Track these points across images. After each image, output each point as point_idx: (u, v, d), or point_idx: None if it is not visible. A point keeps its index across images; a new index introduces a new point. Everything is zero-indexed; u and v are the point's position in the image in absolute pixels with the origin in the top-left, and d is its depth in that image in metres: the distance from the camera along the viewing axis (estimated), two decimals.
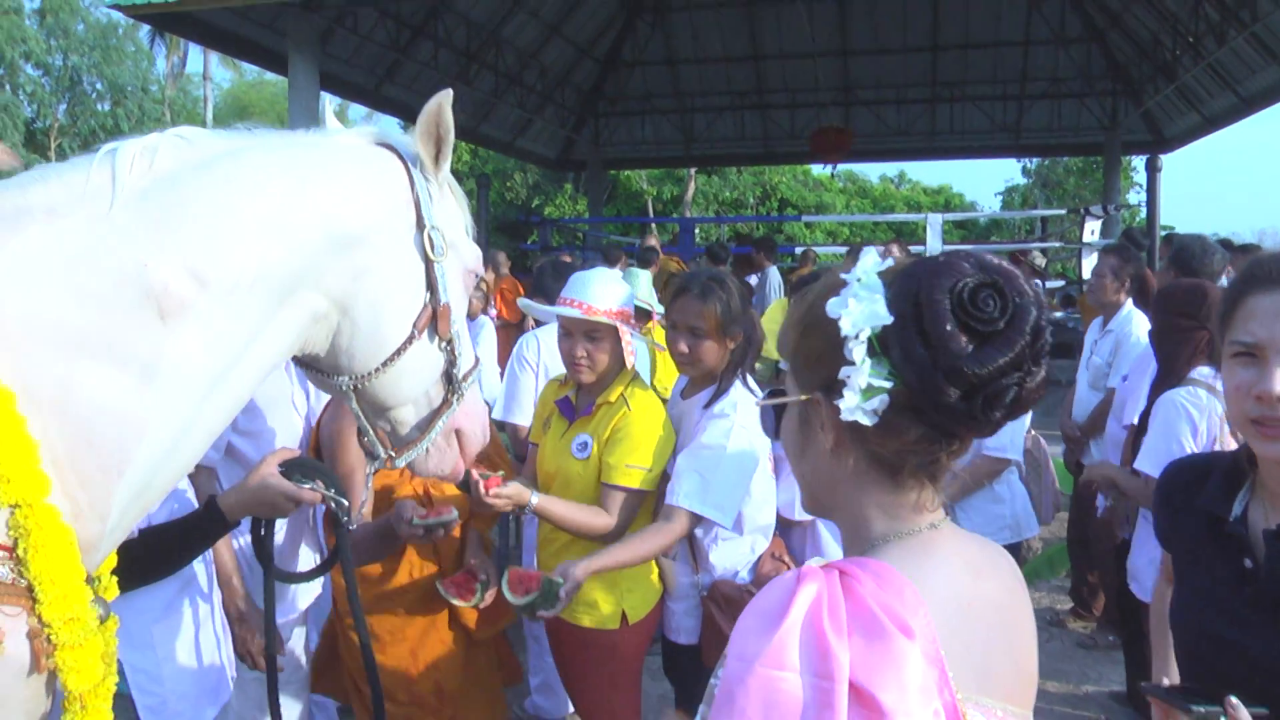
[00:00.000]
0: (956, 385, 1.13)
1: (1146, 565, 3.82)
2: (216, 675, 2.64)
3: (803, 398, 1.29)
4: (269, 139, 1.78)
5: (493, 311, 10.59)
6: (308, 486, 2.29)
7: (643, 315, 5.14)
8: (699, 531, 3.22)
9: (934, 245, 14.38)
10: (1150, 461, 3.60)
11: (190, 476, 2.71)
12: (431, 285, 1.86)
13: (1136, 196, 30.34)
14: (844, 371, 1.19)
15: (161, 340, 1.52)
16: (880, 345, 1.17)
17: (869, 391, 1.17)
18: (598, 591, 3.13)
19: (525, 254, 18.46)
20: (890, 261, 1.25)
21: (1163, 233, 11.08)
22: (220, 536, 2.42)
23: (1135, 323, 5.22)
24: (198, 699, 2.51)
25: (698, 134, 22.79)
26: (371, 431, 1.98)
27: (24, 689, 1.42)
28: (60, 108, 40.53)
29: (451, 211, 1.95)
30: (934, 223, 15.20)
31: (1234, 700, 1.58)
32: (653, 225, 24.92)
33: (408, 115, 17.07)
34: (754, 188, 35.91)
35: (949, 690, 1.08)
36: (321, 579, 3.40)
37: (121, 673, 2.28)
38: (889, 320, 1.16)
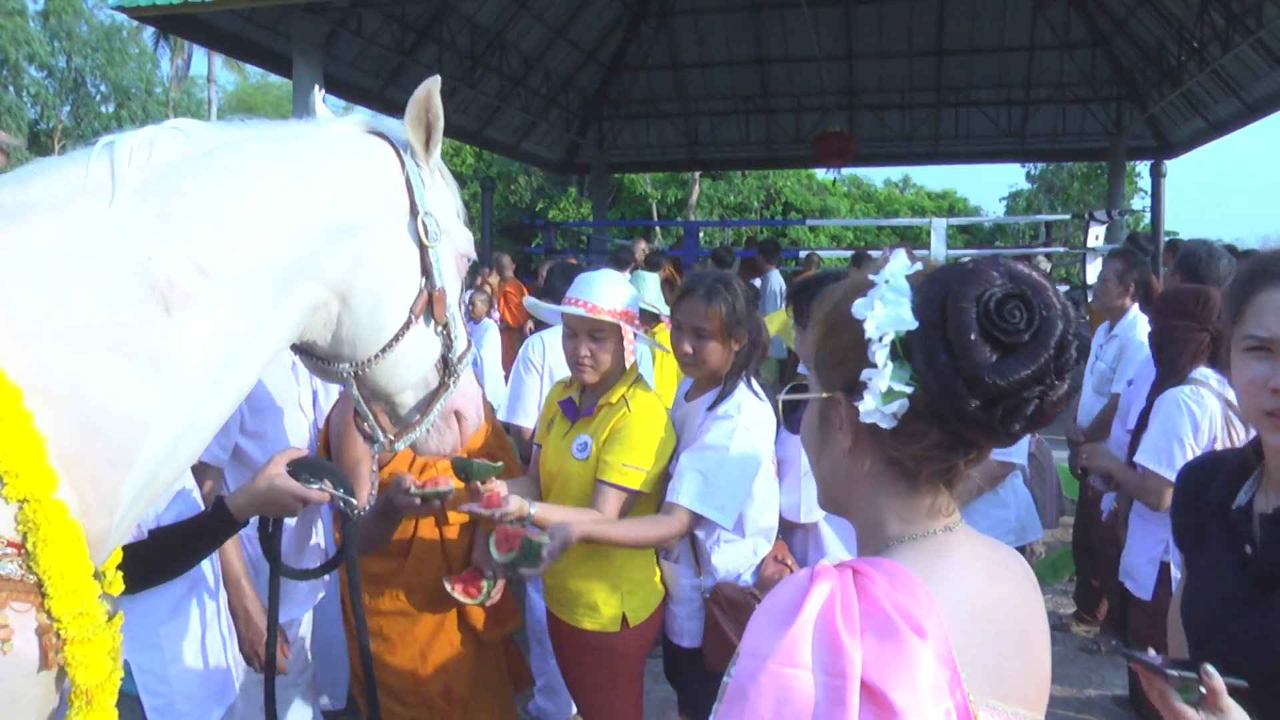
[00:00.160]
0: (977, 395, 1.12)
1: (1144, 564, 3.85)
2: (222, 676, 2.64)
3: (824, 395, 1.29)
4: (264, 130, 1.80)
5: (496, 315, 10.60)
6: (316, 486, 2.30)
7: (649, 318, 5.14)
8: (700, 534, 3.22)
9: (938, 250, 14.37)
10: (1150, 456, 3.67)
11: (197, 477, 2.71)
12: (426, 270, 1.88)
13: (1141, 202, 30.31)
14: (866, 373, 1.19)
15: (167, 333, 1.53)
16: (904, 349, 1.17)
17: (889, 395, 1.17)
18: (599, 594, 3.13)
19: (529, 257, 18.45)
20: (919, 265, 1.24)
21: (1166, 238, 11.06)
22: (229, 537, 2.43)
23: (1140, 328, 5.22)
24: (204, 700, 2.51)
25: (702, 138, 22.79)
26: (371, 416, 2.00)
27: (35, 686, 1.42)
28: (64, 110, 40.57)
29: (443, 197, 1.97)
30: (938, 227, 15.18)
31: (1209, 669, 1.59)
32: (656, 230, 24.91)
33: None
34: (758, 192, 35.89)
35: (960, 691, 1.08)
36: (329, 581, 3.41)
37: (129, 673, 2.28)
38: (913, 325, 1.16)
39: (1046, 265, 14.21)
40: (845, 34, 19.72)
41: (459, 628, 3.27)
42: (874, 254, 11.39)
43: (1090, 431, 5.46)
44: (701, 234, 20.20)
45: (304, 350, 1.91)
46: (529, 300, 3.63)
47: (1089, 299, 11.08)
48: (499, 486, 2.89)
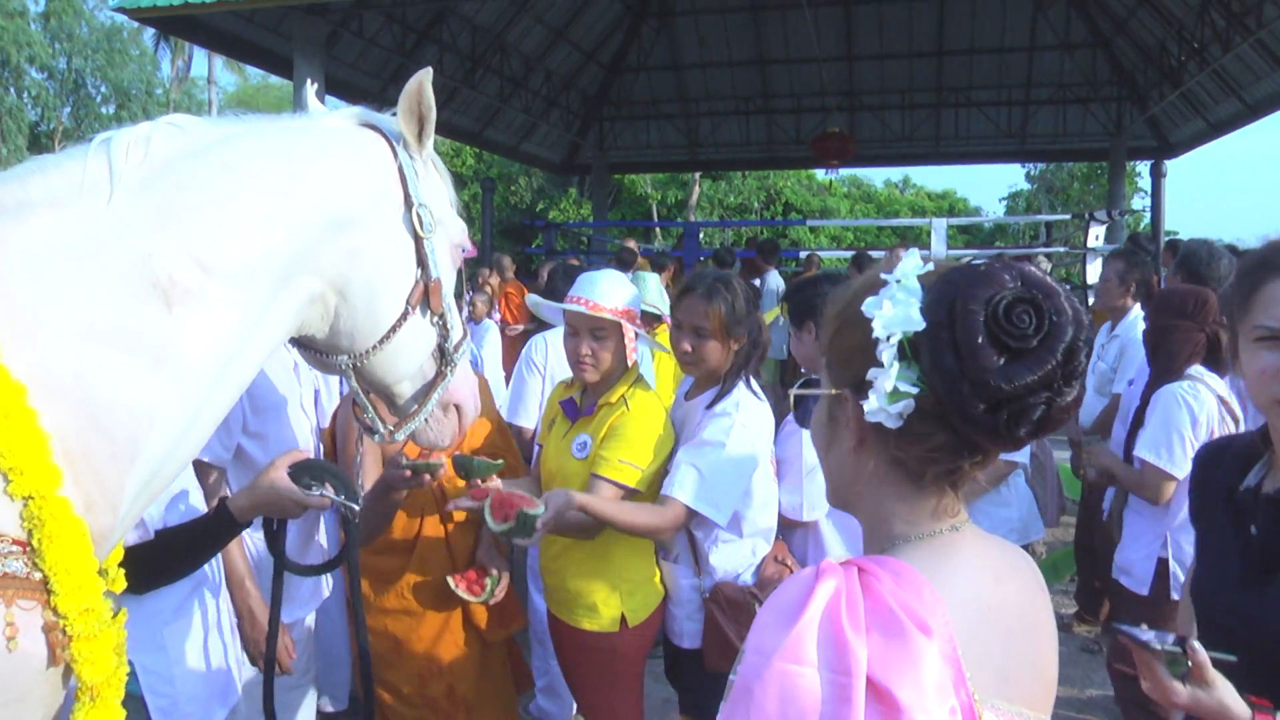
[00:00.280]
0: (983, 398, 1.12)
1: (1141, 559, 3.87)
2: (226, 677, 2.64)
3: (832, 392, 1.29)
4: (260, 125, 1.81)
5: (497, 316, 10.61)
6: (317, 492, 2.30)
7: (652, 319, 5.14)
8: (699, 534, 3.22)
9: (939, 250, 14.37)
10: (1150, 449, 3.73)
11: (199, 477, 2.72)
12: (422, 261, 1.90)
13: (1141, 202, 30.33)
14: (872, 372, 1.19)
15: (169, 329, 1.54)
16: (911, 350, 1.16)
17: (895, 395, 1.16)
18: (598, 595, 3.13)
19: (529, 258, 18.46)
20: (931, 265, 1.24)
21: (1166, 238, 11.06)
22: (231, 539, 2.44)
23: (1141, 327, 5.22)
24: (208, 700, 2.52)
25: (702, 138, 22.80)
26: (370, 408, 2.02)
27: (43, 684, 1.43)
28: (65, 111, 40.60)
29: (437, 188, 1.99)
30: (938, 227, 15.19)
31: (1194, 644, 1.64)
32: (657, 230, 24.89)
33: None
34: (758, 192, 35.90)
35: (965, 690, 1.08)
36: (332, 582, 3.41)
37: (133, 674, 2.28)
38: (921, 326, 1.16)
39: (1047, 265, 14.21)
40: (846, 35, 19.73)
41: (464, 628, 3.28)
42: (874, 254, 11.41)
43: (1092, 432, 5.46)
44: (702, 235, 20.19)
45: (302, 343, 1.92)
46: (532, 298, 3.64)
47: (1089, 299, 11.07)
48: (498, 485, 2.88)
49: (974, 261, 1.22)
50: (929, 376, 1.15)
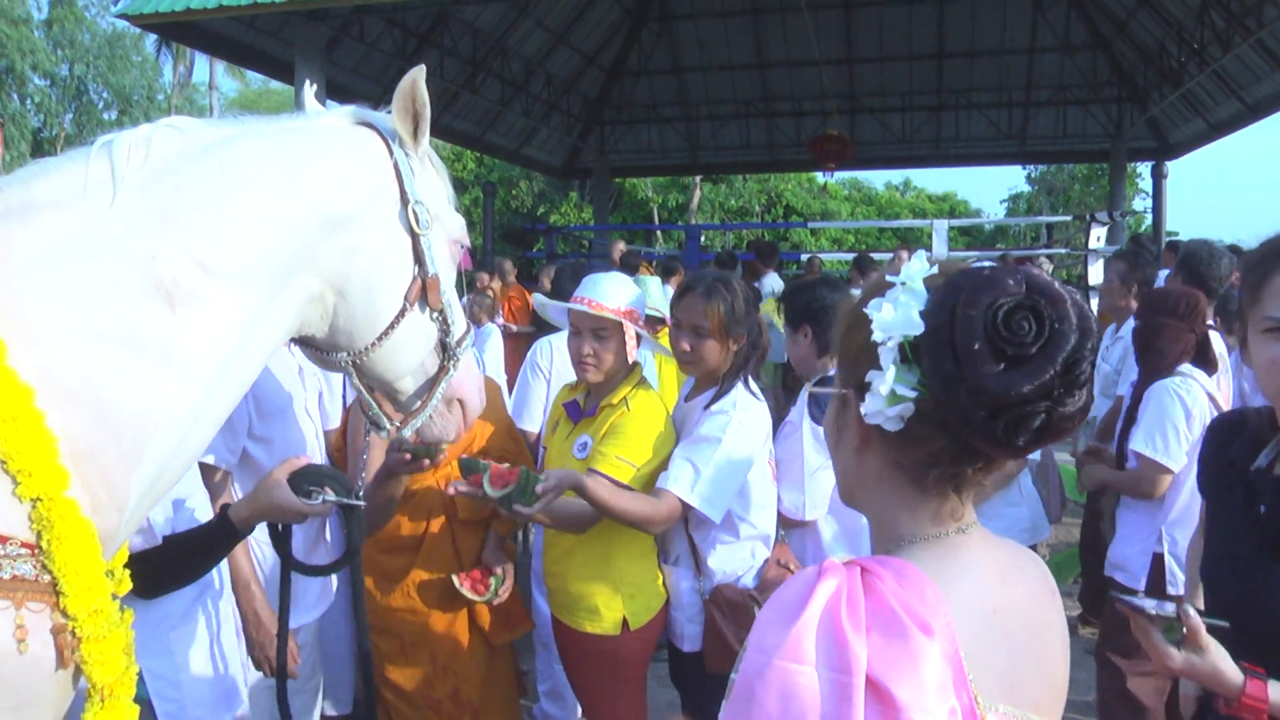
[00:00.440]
0: (980, 405, 1.11)
1: (1136, 554, 3.90)
2: (232, 682, 2.64)
3: (840, 392, 1.29)
4: (258, 126, 1.83)
5: (499, 320, 10.62)
6: (319, 499, 2.30)
7: (654, 323, 5.15)
8: (697, 535, 3.23)
9: (940, 252, 14.37)
10: (1145, 443, 3.78)
11: (206, 481, 2.73)
12: (419, 257, 1.91)
13: (1142, 203, 30.34)
14: (870, 374, 1.18)
15: (173, 330, 1.56)
16: (913, 353, 1.16)
17: (894, 398, 1.16)
18: (600, 597, 3.13)
19: (531, 262, 18.47)
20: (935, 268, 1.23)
21: (1167, 239, 11.06)
22: (233, 547, 2.45)
23: None
24: (215, 704, 2.52)
25: (703, 142, 22.81)
26: (375, 405, 2.03)
27: (53, 686, 1.44)
28: (67, 117, 40.65)
29: (433, 184, 2.00)
30: (939, 229, 15.22)
31: (1189, 609, 1.66)
32: (658, 234, 24.88)
33: None
34: (759, 195, 35.91)
35: (967, 693, 1.08)
36: (337, 584, 3.41)
37: (140, 679, 2.28)
38: (919, 329, 1.15)
39: (1048, 267, 14.22)
40: (846, 37, 19.74)
41: (470, 630, 3.29)
42: (876, 257, 11.42)
43: (1096, 434, 5.46)
44: (703, 238, 20.20)
45: (303, 342, 1.94)
46: (537, 298, 3.66)
47: (1091, 301, 11.07)
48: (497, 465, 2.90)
49: (980, 264, 1.20)
50: (929, 380, 1.14)
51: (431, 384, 2.01)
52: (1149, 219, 23.34)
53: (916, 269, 1.21)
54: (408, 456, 2.84)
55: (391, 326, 1.89)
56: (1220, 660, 1.67)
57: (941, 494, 1.23)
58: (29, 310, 1.44)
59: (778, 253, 13.33)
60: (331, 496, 2.32)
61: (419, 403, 2.02)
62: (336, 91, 14.56)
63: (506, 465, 2.85)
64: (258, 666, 2.87)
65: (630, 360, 3.23)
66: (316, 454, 3.19)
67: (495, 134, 20.29)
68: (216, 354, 1.63)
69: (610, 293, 3.18)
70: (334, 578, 3.40)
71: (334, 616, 3.78)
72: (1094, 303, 9.22)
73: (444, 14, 15.39)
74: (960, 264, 1.24)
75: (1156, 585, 3.79)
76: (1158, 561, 3.81)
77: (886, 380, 1.16)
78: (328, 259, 1.79)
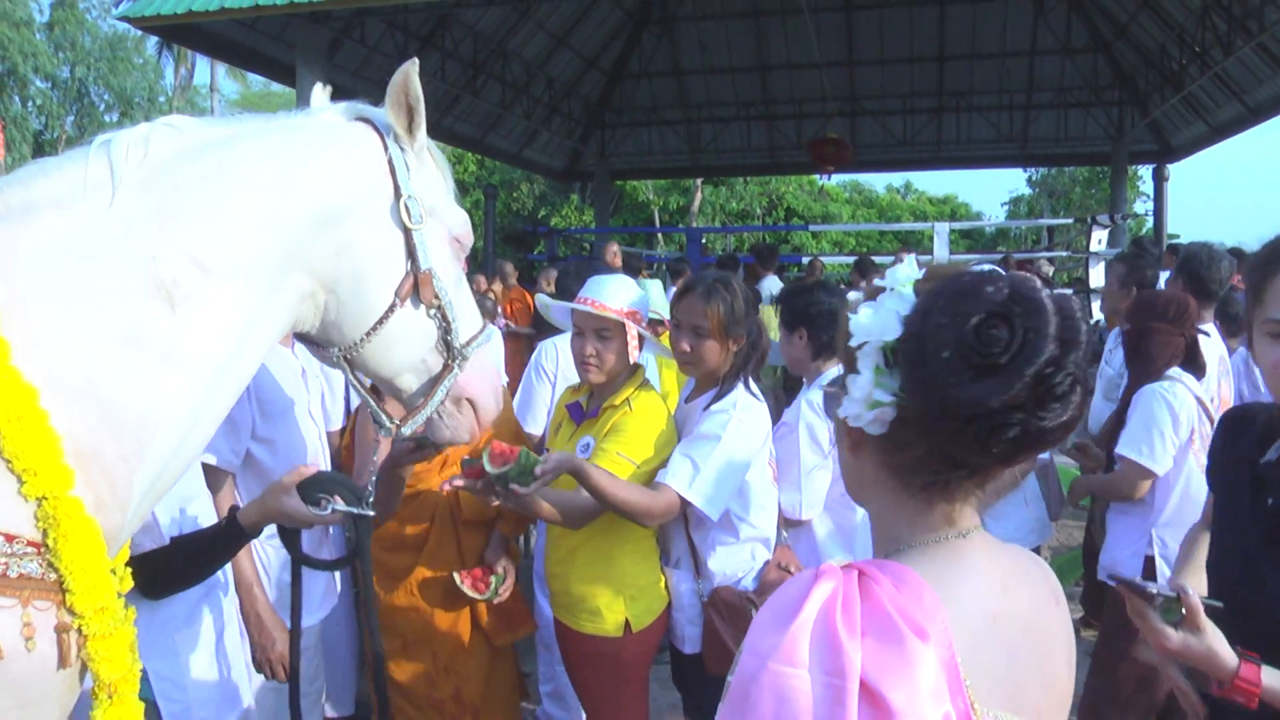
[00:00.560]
0: (950, 414, 1.10)
1: (1128, 557, 3.91)
2: (236, 683, 2.65)
3: (837, 391, 1.29)
4: (255, 125, 1.84)
5: (501, 321, 10.63)
6: (328, 508, 2.29)
7: (656, 325, 5.16)
8: (697, 537, 3.23)
9: (941, 254, 14.38)
10: (1131, 447, 3.79)
11: (209, 482, 2.73)
12: (411, 253, 1.90)
13: (1143, 206, 30.34)
14: (849, 378, 1.19)
15: (173, 329, 1.57)
16: (895, 358, 1.16)
17: (872, 402, 1.16)
18: (602, 599, 3.14)
19: (532, 264, 18.48)
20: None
21: (1168, 241, 11.07)
22: (240, 549, 2.45)
23: None
24: (219, 705, 2.52)
25: (704, 144, 22.80)
26: (372, 402, 2.03)
27: (60, 684, 1.44)
28: (69, 119, 40.68)
29: (432, 178, 1.99)
30: (940, 231, 15.22)
31: (1187, 589, 1.68)
32: (659, 237, 24.88)
33: None
34: (760, 198, 35.90)
35: (963, 698, 1.08)
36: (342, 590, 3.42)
37: (145, 679, 2.29)
38: (895, 334, 1.15)
39: (1050, 269, 14.22)
40: (847, 40, 19.74)
41: (473, 631, 3.30)
42: (877, 260, 11.41)
43: (1101, 437, 5.45)
44: (704, 240, 20.19)
45: (299, 336, 1.96)
46: (541, 299, 3.67)
47: (1092, 303, 11.07)
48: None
49: (977, 267, 1.19)
50: (906, 385, 1.14)
51: (434, 382, 2.00)
52: (1150, 222, 23.32)
53: (905, 273, 1.21)
54: (412, 445, 2.84)
55: (381, 321, 1.88)
56: (1216, 642, 1.68)
57: (932, 500, 1.22)
58: (31, 311, 1.45)
59: (777, 255, 13.32)
60: (341, 505, 2.31)
61: (421, 400, 2.01)
62: (338, 94, 14.34)
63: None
64: (259, 668, 2.88)
65: (633, 361, 3.23)
66: (320, 455, 3.20)
67: (496, 137, 20.29)
68: (216, 353, 1.64)
69: (613, 293, 3.19)
70: (338, 579, 3.41)
71: (334, 618, 3.78)
72: (1096, 306, 9.22)
73: (445, 17, 15.40)
74: (950, 268, 1.22)
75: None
76: (1149, 564, 3.82)
77: (861, 384, 1.16)
78: (318, 256, 1.80)
